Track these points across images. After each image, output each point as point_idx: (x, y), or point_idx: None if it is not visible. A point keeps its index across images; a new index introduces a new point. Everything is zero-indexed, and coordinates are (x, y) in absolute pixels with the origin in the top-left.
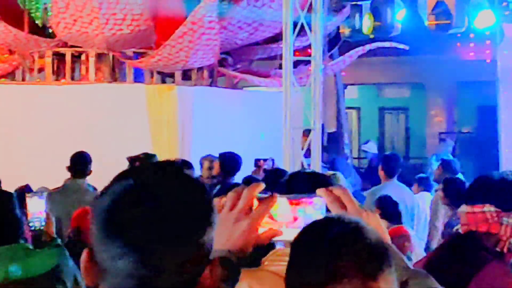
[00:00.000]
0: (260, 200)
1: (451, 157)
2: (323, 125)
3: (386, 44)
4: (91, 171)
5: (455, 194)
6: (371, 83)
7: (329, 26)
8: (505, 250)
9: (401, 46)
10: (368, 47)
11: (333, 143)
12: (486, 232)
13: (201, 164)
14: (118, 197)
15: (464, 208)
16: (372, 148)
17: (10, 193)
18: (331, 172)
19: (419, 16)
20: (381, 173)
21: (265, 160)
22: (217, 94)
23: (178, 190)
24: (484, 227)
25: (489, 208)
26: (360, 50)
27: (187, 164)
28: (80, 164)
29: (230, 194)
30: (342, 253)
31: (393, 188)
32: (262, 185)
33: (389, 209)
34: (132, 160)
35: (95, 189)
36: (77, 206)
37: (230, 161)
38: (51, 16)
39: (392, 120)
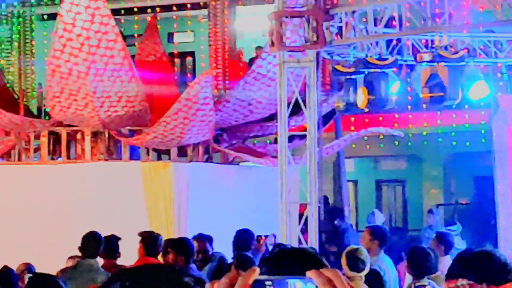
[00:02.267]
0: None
1: (447, 228)
2: (326, 198)
3: (381, 130)
4: (101, 251)
5: (417, 264)
6: (368, 156)
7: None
8: None
9: (396, 133)
10: (363, 132)
11: (332, 216)
12: None
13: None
14: None
15: (444, 285)
16: (379, 217)
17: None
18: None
19: (413, 88)
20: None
21: (266, 236)
22: (213, 170)
23: None
24: None
25: (461, 282)
26: (354, 135)
27: (208, 238)
28: (92, 244)
29: (223, 281)
30: None
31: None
32: (257, 271)
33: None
34: (142, 235)
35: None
36: (90, 286)
37: (241, 238)
38: (47, 99)
39: (389, 192)
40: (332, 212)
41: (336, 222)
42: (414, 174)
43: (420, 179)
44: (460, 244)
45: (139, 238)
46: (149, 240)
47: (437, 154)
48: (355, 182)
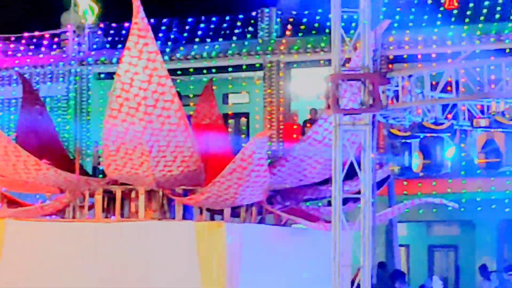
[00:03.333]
0: None
1: None
2: (383, 263)
3: (436, 200)
4: None
5: None
6: (420, 220)
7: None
8: None
9: (451, 204)
10: (417, 201)
11: (393, 279)
12: None
13: None
14: None
15: None
16: (437, 283)
17: None
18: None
19: (468, 153)
20: None
21: None
22: (266, 232)
23: None
24: None
25: None
26: (409, 204)
27: None
28: None
29: None
30: None
31: None
32: None
33: None
34: None
35: None
36: None
37: None
38: (102, 158)
39: (441, 258)
40: (393, 275)
41: (396, 285)
42: (467, 240)
43: (473, 245)
44: None
45: None
46: None
47: (490, 220)
48: (407, 247)
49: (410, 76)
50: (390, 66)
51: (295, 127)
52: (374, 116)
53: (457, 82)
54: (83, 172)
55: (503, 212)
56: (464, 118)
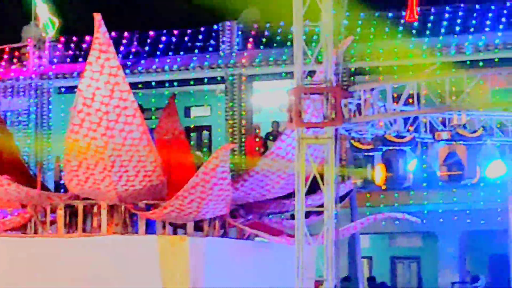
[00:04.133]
0: None
1: None
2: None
3: (399, 215)
4: None
5: None
6: (383, 232)
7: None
8: None
9: (413, 219)
10: (379, 216)
11: None
12: None
13: None
14: None
15: None
16: None
17: None
18: None
19: (430, 166)
20: None
21: None
22: (229, 245)
23: None
24: None
25: None
26: (371, 218)
27: None
28: None
29: None
30: None
31: None
32: None
33: None
34: None
35: None
36: None
37: None
38: (64, 173)
39: (404, 269)
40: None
41: None
42: (429, 251)
43: (435, 256)
44: None
45: None
46: None
47: (452, 232)
48: (370, 258)
49: (372, 89)
50: (352, 78)
51: (257, 140)
52: (337, 129)
53: (418, 95)
54: (45, 187)
55: (465, 223)
56: (426, 131)
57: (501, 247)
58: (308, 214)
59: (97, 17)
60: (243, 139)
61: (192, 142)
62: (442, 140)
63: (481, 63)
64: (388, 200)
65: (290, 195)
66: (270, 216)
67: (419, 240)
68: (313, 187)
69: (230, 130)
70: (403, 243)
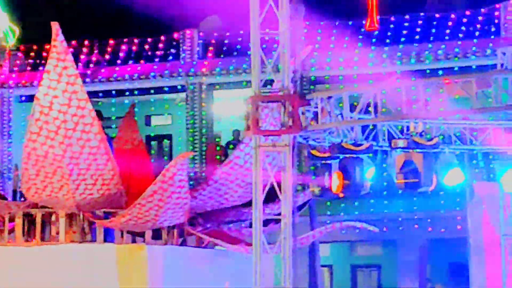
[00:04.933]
0: None
1: None
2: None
3: (357, 224)
4: None
5: None
6: (343, 240)
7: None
8: None
9: (371, 228)
10: (338, 225)
11: None
12: None
13: None
14: None
15: None
16: None
17: None
18: None
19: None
20: None
21: None
22: (187, 254)
23: None
24: None
25: None
26: (330, 227)
27: None
28: None
29: None
30: None
31: None
32: None
33: None
34: None
35: None
36: None
37: None
38: (22, 181)
39: (364, 277)
40: None
41: None
42: (390, 260)
43: (395, 264)
44: None
45: None
46: None
47: (412, 240)
48: (330, 267)
49: (329, 97)
50: (312, 87)
51: (218, 148)
52: (294, 137)
53: (376, 103)
54: (2, 195)
55: (425, 231)
56: (384, 139)
57: (461, 255)
58: (267, 223)
59: (55, 26)
60: (204, 148)
61: (152, 151)
62: (398, 148)
63: (440, 72)
64: (348, 208)
65: (249, 204)
66: (229, 224)
67: (379, 248)
68: (273, 196)
69: (191, 138)
70: (363, 251)
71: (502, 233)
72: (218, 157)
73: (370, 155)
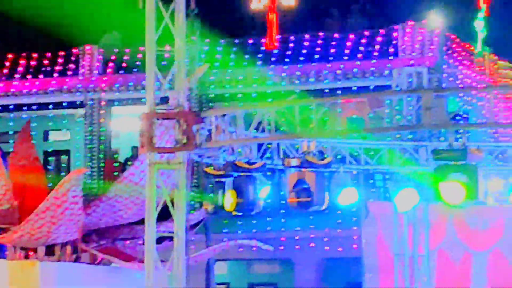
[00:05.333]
0: None
1: None
2: None
3: (252, 243)
4: None
5: None
6: (241, 258)
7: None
8: None
9: (265, 247)
10: (232, 243)
11: None
12: None
13: None
14: None
15: None
16: None
17: None
18: None
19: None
20: None
21: None
22: (81, 270)
23: None
24: None
25: None
26: (224, 245)
27: None
28: None
29: None
30: None
31: None
32: None
33: None
34: None
35: None
36: None
37: None
38: None
39: None
40: None
41: None
42: (287, 278)
43: (292, 283)
44: None
45: None
46: None
47: (309, 259)
48: (228, 285)
49: (224, 115)
50: (210, 105)
51: (116, 164)
52: (189, 155)
53: (269, 122)
54: None
55: (322, 250)
56: (280, 157)
57: (357, 274)
58: (161, 240)
59: None
60: (101, 164)
61: (50, 167)
62: (291, 166)
63: (339, 92)
64: (245, 226)
65: (144, 221)
66: (124, 241)
67: (276, 266)
68: (167, 214)
69: (89, 154)
70: (260, 269)
71: (395, 253)
72: (116, 173)
73: (269, 173)
